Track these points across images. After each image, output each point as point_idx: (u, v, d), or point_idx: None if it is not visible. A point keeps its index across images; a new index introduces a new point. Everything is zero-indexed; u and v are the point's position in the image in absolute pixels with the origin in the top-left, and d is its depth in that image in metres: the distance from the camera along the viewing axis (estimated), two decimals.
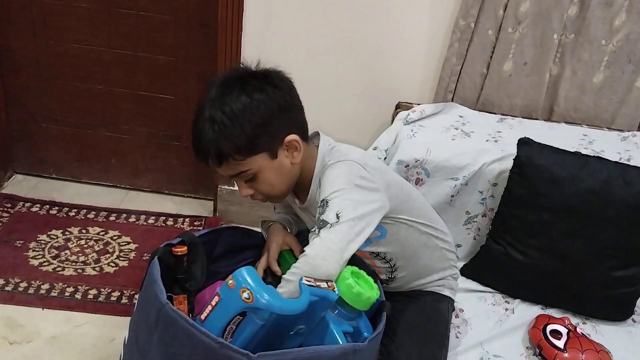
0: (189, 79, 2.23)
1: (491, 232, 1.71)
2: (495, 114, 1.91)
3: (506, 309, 1.66)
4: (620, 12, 1.77)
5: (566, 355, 1.45)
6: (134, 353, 1.08)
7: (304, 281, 1.03)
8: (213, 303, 0.99)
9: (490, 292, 1.71)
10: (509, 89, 1.91)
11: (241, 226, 1.42)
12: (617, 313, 1.66)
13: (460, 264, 1.76)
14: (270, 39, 1.99)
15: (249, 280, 0.96)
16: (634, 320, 1.68)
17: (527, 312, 1.64)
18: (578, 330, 1.52)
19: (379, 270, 1.41)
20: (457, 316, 1.60)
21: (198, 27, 2.13)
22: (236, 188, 1.27)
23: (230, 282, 0.97)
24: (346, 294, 1.08)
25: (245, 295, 0.95)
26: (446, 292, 1.48)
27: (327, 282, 1.07)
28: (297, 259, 1.14)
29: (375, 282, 1.17)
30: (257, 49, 1.99)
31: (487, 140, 1.75)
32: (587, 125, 1.91)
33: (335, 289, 1.06)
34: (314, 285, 1.04)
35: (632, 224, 1.57)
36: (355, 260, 1.26)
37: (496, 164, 1.70)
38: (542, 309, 1.66)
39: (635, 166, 1.61)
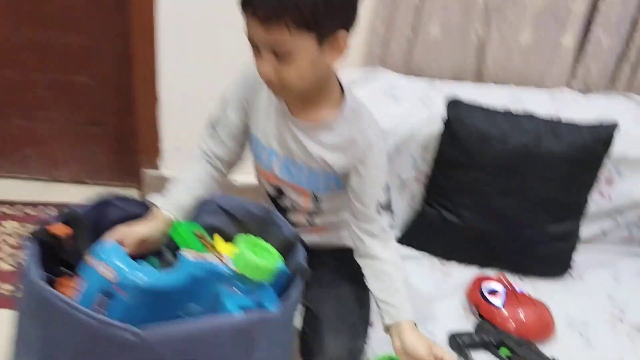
0: (106, 61, 2.10)
1: (425, 197, 1.66)
2: (424, 77, 1.87)
3: (443, 272, 1.62)
4: None
5: (505, 313, 1.42)
6: (20, 345, 0.97)
7: (185, 254, 0.95)
8: (78, 286, 0.90)
9: (426, 256, 1.66)
10: (436, 52, 1.86)
11: (130, 196, 1.22)
12: (555, 269, 1.65)
13: (395, 232, 1.72)
14: (187, 18, 1.90)
15: (109, 255, 0.88)
16: (571, 275, 1.67)
17: (464, 273, 1.61)
18: (515, 287, 1.50)
19: (303, 209, 1.31)
20: None
21: (112, 5, 2.00)
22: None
23: (90, 259, 0.89)
24: (241, 265, 0.97)
25: (103, 269, 0.87)
26: None
27: (217, 255, 0.98)
28: (195, 235, 1.08)
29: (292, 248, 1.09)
30: (174, 27, 1.90)
31: (416, 104, 1.70)
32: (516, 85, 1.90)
33: (228, 262, 0.98)
34: (199, 259, 0.95)
35: (564, 178, 1.56)
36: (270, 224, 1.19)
37: (426, 127, 1.65)
38: (479, 269, 1.63)
39: (565, 122, 1.59)
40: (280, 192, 1.31)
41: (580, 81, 1.90)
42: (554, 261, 1.64)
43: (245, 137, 1.31)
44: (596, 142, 1.55)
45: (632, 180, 1.70)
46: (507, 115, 1.59)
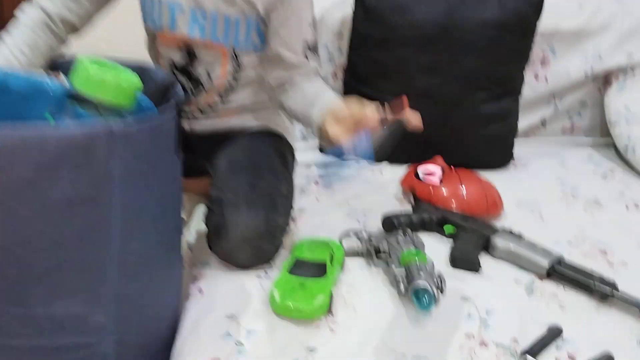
0: None
1: (345, 89, 1.46)
2: None
3: (373, 171, 1.41)
4: None
5: (443, 190, 1.22)
6: None
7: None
8: None
9: (352, 159, 1.45)
10: None
11: None
12: (496, 156, 1.47)
13: (317, 141, 1.51)
14: None
15: None
16: (514, 165, 1.49)
17: (397, 170, 1.40)
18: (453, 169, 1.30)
19: (220, 83, 1.12)
20: (316, 183, 1.34)
21: None
22: None
23: None
24: (84, 83, 0.73)
25: None
26: (279, 130, 1.22)
27: (46, 71, 0.75)
28: None
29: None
30: None
31: None
32: None
33: (63, 79, 0.74)
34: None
35: (492, 46, 1.39)
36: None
37: (337, 10, 1.46)
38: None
39: None
40: (191, 56, 1.10)
41: None
42: (493, 147, 1.46)
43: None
44: (526, 4, 1.39)
45: (567, 58, 1.56)
46: None
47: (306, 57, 1.10)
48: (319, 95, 1.06)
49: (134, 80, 0.77)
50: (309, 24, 1.09)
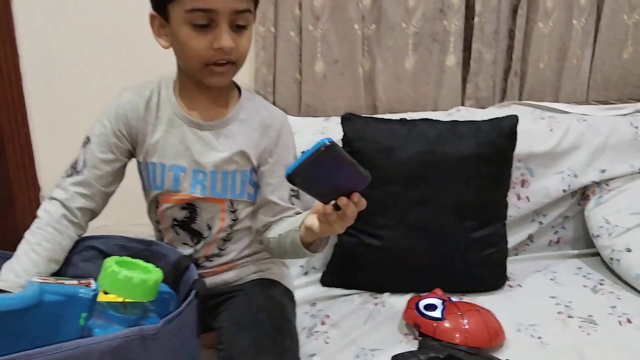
0: None
1: None
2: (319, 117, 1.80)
3: (375, 304, 1.46)
4: None
5: (446, 323, 1.27)
6: None
7: (35, 279, 0.79)
8: None
9: (356, 293, 1.51)
10: (326, 90, 1.82)
11: None
12: (491, 279, 1.54)
13: (318, 275, 1.57)
14: (55, 85, 1.77)
15: None
16: (510, 286, 1.55)
17: (398, 301, 1.46)
18: (453, 298, 1.36)
19: (218, 236, 1.19)
20: (323, 323, 1.38)
21: None
22: None
23: None
24: (112, 285, 0.80)
25: None
26: (275, 278, 1.26)
27: (77, 279, 0.82)
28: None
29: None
30: (43, 98, 1.76)
31: (313, 134, 1.61)
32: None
33: (92, 284, 0.81)
34: (52, 282, 0.78)
35: (475, 179, 1.49)
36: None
37: None
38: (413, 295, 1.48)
39: (462, 121, 1.55)
40: (192, 212, 1.17)
41: (472, 99, 1.89)
42: (488, 271, 1.52)
43: (118, 178, 1.16)
44: (500, 136, 1.51)
45: (545, 178, 1.67)
46: (404, 122, 1.53)
47: (292, 204, 1.18)
48: (301, 216, 1.12)
49: (157, 275, 0.83)
50: None
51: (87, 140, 1.14)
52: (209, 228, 1.18)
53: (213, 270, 1.22)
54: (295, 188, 1.15)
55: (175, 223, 1.18)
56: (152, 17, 1.08)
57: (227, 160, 1.13)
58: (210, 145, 1.13)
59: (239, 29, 1.05)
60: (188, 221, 1.18)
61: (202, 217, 1.17)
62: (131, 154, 1.16)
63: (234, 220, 1.18)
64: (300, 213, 1.17)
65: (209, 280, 1.20)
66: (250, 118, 1.16)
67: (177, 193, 1.15)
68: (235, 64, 1.08)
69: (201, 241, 1.18)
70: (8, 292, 0.94)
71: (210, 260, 1.21)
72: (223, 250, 1.21)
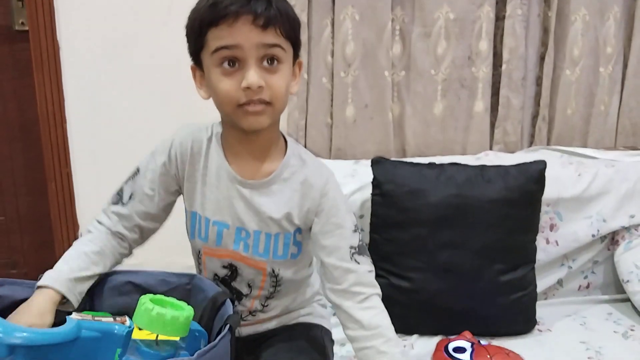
0: (18, 195, 2.00)
1: None
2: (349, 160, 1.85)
3: (404, 346, 1.47)
4: (439, 40, 1.83)
5: None
6: None
7: (74, 316, 0.82)
8: None
9: None
10: (357, 134, 1.87)
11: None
12: (520, 323, 1.53)
13: None
14: (98, 129, 1.85)
15: None
16: (539, 330, 1.55)
17: (426, 343, 1.47)
18: (482, 342, 1.37)
19: (260, 294, 1.17)
20: None
21: (19, 134, 1.95)
22: None
23: None
24: (146, 322, 0.82)
25: None
26: (316, 321, 1.26)
27: (113, 316, 0.86)
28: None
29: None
30: (85, 140, 1.84)
31: (343, 177, 1.65)
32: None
33: (127, 322, 0.85)
34: (89, 319, 0.82)
35: (503, 222, 1.50)
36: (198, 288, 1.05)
37: (357, 195, 1.60)
38: (442, 338, 1.49)
39: (491, 165, 1.58)
40: (233, 271, 1.14)
41: (500, 144, 1.92)
42: (517, 314, 1.52)
43: (163, 215, 1.18)
44: (529, 181, 1.52)
45: (574, 222, 1.67)
46: (433, 166, 1.56)
47: (357, 262, 1.09)
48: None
49: (189, 312, 0.86)
50: (351, 229, 1.09)
51: (136, 172, 1.12)
52: (250, 288, 1.15)
53: (256, 321, 1.20)
54: (357, 244, 1.09)
55: (216, 278, 1.16)
56: (192, 70, 1.07)
57: (270, 222, 1.09)
58: (253, 204, 1.08)
59: (271, 66, 0.99)
60: (228, 279, 1.16)
61: (243, 277, 1.14)
62: (179, 193, 1.15)
63: (274, 281, 1.15)
64: (371, 272, 1.13)
65: (251, 329, 1.19)
66: (292, 177, 1.09)
67: (220, 248, 1.12)
68: (270, 104, 1.00)
69: (242, 298, 1.16)
70: (50, 287, 0.96)
71: (254, 315, 1.19)
72: (266, 306, 1.18)
